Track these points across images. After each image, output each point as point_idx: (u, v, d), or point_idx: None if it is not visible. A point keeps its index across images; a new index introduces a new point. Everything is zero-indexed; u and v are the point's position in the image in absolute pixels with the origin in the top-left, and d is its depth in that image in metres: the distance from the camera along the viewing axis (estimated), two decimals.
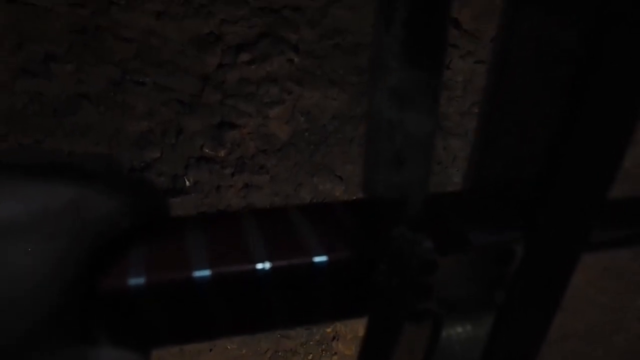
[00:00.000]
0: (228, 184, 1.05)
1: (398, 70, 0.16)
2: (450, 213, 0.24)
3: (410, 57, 0.16)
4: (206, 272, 0.18)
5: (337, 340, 1.25)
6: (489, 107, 0.24)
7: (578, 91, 0.19)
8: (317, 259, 0.20)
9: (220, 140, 1.02)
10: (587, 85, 0.18)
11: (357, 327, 1.27)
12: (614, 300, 1.62)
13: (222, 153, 1.03)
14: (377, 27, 0.16)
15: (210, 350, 1.16)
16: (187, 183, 1.03)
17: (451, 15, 0.16)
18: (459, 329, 0.24)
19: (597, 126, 0.19)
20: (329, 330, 1.25)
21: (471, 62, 1.17)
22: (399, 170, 0.18)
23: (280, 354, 1.22)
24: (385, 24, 0.15)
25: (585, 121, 0.19)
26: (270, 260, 0.19)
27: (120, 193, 0.19)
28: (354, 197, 1.18)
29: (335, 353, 1.25)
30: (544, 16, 0.20)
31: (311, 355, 1.25)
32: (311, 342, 1.24)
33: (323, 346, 1.25)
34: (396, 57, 0.16)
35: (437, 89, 0.17)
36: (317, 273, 0.20)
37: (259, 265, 0.19)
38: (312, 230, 0.21)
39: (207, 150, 1.02)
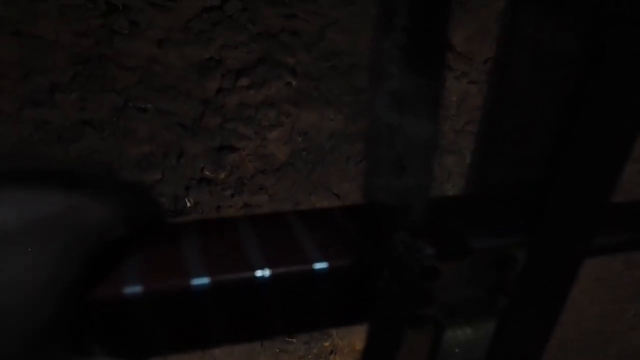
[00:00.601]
0: (228, 204, 1.08)
1: (398, 76, 0.16)
2: (451, 218, 0.23)
3: (410, 62, 0.16)
4: (204, 280, 0.18)
5: (335, 354, 1.27)
6: (489, 113, 0.24)
7: (577, 93, 0.19)
8: (316, 265, 0.19)
9: (220, 162, 1.04)
10: (586, 87, 0.18)
11: (354, 340, 1.29)
12: (608, 310, 1.65)
13: (222, 175, 1.05)
14: (377, 32, 0.16)
15: None
16: (188, 204, 1.05)
17: (451, 20, 0.15)
18: (460, 333, 0.24)
19: (596, 129, 0.19)
20: (326, 344, 1.27)
21: (465, 82, 1.20)
22: (399, 175, 0.18)
23: None
24: (385, 29, 0.15)
25: (584, 124, 0.19)
26: (269, 267, 0.19)
27: (116, 200, 0.19)
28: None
29: None
30: (543, 18, 0.20)
31: None
32: (309, 356, 1.27)
33: None
34: (396, 62, 0.16)
35: (438, 93, 0.17)
36: (317, 280, 0.19)
37: (258, 273, 0.18)
38: (311, 236, 0.21)
39: (207, 173, 1.04)
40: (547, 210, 0.21)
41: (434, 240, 0.21)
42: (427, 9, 0.15)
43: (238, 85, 1.03)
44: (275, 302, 0.19)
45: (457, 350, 0.24)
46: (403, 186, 0.18)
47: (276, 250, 0.20)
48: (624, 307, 1.66)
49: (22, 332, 0.14)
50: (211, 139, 1.03)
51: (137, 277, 0.18)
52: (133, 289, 0.17)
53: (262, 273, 0.18)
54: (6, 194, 0.16)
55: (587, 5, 0.18)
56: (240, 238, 0.20)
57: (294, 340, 1.23)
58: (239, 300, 0.19)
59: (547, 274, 0.23)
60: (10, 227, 0.15)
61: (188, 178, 1.04)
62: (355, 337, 1.28)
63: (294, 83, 1.09)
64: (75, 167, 0.19)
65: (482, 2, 1.07)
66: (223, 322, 0.19)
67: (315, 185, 1.19)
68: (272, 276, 0.19)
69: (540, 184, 0.21)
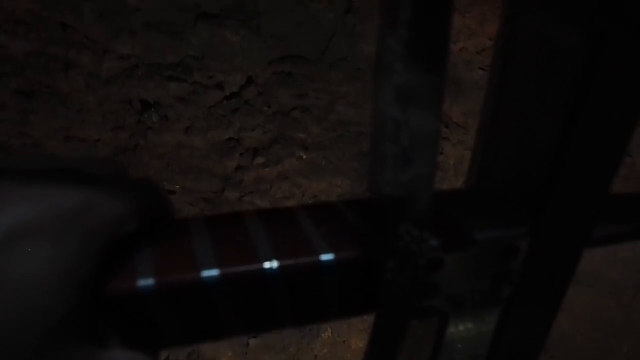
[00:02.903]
0: None
1: (402, 71, 0.16)
2: (455, 210, 0.24)
3: (414, 57, 0.16)
4: (214, 272, 0.18)
5: None
6: (492, 107, 0.24)
7: (580, 91, 0.19)
8: (323, 257, 0.20)
9: None
10: (589, 85, 0.19)
11: None
12: (601, 346, 1.74)
13: None
14: (382, 28, 0.16)
15: None
16: None
17: (452, 16, 0.17)
18: (462, 328, 0.25)
19: (597, 126, 0.20)
20: None
21: (461, 149, 1.30)
22: (404, 168, 0.18)
23: None
24: (389, 25, 0.16)
25: (586, 121, 0.20)
26: (277, 259, 0.19)
27: (128, 196, 0.19)
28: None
29: None
30: (545, 18, 0.21)
31: None
32: None
33: None
34: (400, 57, 0.16)
35: (440, 88, 0.17)
36: (324, 271, 0.20)
37: (266, 265, 0.19)
38: (318, 229, 0.21)
39: None
40: (548, 202, 0.22)
41: (438, 231, 0.21)
42: (430, 5, 0.15)
43: (255, 162, 1.15)
44: (284, 293, 0.20)
45: (459, 346, 0.25)
46: (408, 178, 0.18)
47: (284, 243, 0.20)
48: (617, 343, 1.75)
49: (44, 324, 0.15)
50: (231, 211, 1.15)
51: (149, 270, 0.18)
52: (146, 282, 0.18)
53: (270, 265, 0.19)
54: (24, 190, 0.16)
55: (589, 7, 0.18)
56: (248, 231, 0.21)
57: None
58: (248, 291, 0.19)
59: (549, 264, 0.24)
60: (30, 222, 0.15)
61: None
62: None
63: (304, 157, 1.21)
64: (87, 166, 0.20)
65: (477, 84, 1.18)
66: (234, 313, 0.20)
67: None
68: (280, 267, 0.19)
69: (542, 176, 0.22)
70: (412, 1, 0.15)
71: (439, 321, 0.25)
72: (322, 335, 1.35)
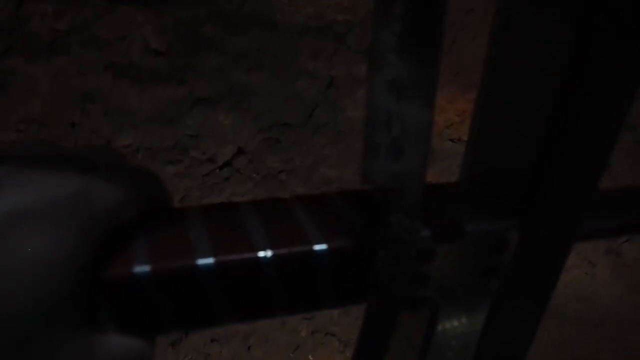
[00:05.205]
0: None
1: (395, 63, 0.17)
2: (447, 203, 0.24)
3: (407, 50, 0.16)
4: (209, 260, 0.19)
5: None
6: (484, 102, 0.25)
7: (569, 86, 0.20)
8: (317, 247, 0.20)
9: None
10: (578, 80, 0.19)
11: None
12: None
13: None
14: (375, 22, 0.17)
15: None
16: None
17: (446, 10, 0.16)
18: (456, 323, 0.25)
19: (585, 120, 0.20)
20: None
21: None
22: (396, 159, 0.18)
23: None
24: (383, 18, 0.16)
25: (575, 116, 0.20)
26: (271, 248, 0.19)
27: (125, 184, 0.19)
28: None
29: None
30: (537, 12, 0.21)
31: None
32: None
33: None
34: (393, 50, 0.16)
35: (433, 80, 0.18)
36: (317, 260, 0.20)
37: (261, 254, 0.19)
38: (312, 219, 0.22)
39: None
40: (538, 196, 0.22)
41: (429, 222, 0.21)
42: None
43: None
44: (278, 282, 0.20)
45: (452, 341, 0.26)
46: (400, 170, 0.19)
47: (278, 232, 0.20)
48: None
49: (41, 308, 0.15)
50: None
51: (145, 257, 0.18)
52: (142, 268, 0.18)
53: (264, 254, 0.19)
54: (25, 175, 0.16)
55: (579, 2, 0.19)
56: (244, 221, 0.21)
57: None
58: (242, 279, 0.19)
59: (538, 257, 0.24)
60: (31, 206, 0.15)
61: None
62: None
63: None
64: (87, 154, 0.20)
65: (447, 153, 1.29)
66: (228, 301, 0.20)
67: None
68: (274, 256, 0.19)
69: (532, 170, 0.22)
70: None
71: (430, 313, 0.25)
72: None
